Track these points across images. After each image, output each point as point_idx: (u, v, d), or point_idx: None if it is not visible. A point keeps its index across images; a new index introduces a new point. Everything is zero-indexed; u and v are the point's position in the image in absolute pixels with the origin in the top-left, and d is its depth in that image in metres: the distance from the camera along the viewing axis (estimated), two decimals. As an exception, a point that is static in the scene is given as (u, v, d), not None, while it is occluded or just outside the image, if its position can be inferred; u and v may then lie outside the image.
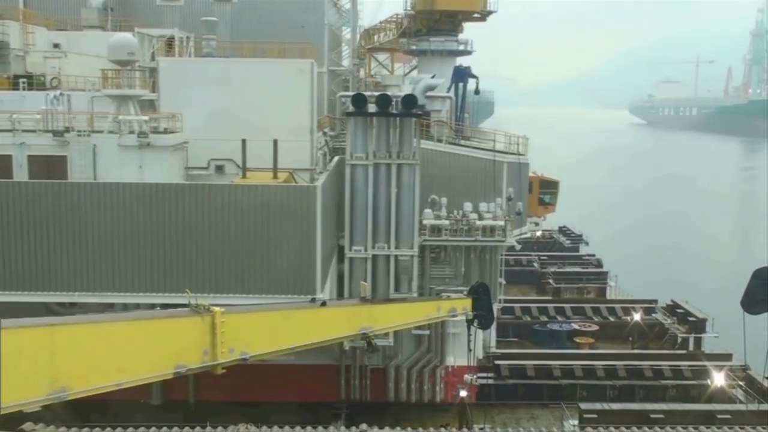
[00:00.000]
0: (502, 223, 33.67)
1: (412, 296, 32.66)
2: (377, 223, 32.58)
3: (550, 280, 54.34)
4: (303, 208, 28.54)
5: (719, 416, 31.18)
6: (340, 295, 33.22)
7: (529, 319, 46.71)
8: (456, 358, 34.74)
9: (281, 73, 34.17)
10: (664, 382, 37.89)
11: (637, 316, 44.95)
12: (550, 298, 52.31)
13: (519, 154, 36.50)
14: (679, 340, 43.09)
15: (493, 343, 39.03)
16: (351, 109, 33.22)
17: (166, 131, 32.01)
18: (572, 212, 70.70)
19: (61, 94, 33.08)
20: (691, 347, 42.52)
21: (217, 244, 28.34)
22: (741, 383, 37.07)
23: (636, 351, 42.36)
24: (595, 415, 31.27)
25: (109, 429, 29.30)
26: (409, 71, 57.60)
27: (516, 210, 35.83)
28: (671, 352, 42.10)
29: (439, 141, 36.05)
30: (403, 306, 24.11)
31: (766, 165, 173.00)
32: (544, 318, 46.92)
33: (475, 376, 33.34)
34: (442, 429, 33.21)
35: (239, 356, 16.64)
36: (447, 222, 33.55)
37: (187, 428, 28.78)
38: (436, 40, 50.37)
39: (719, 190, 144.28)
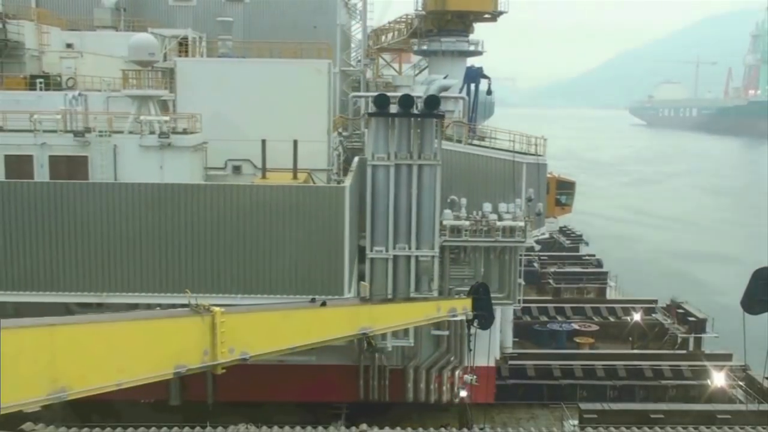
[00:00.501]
0: (522, 223, 33.61)
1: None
2: (398, 224, 32.50)
3: (550, 280, 54.33)
4: (331, 208, 28.56)
5: (719, 416, 31.21)
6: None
7: (529, 319, 46.70)
8: (476, 358, 34.75)
9: (299, 73, 34.16)
10: (664, 382, 37.91)
11: (637, 316, 44.97)
12: (550, 298, 52.31)
13: (537, 155, 36.47)
14: (679, 340, 43.10)
15: (509, 343, 38.84)
16: (372, 109, 33.07)
17: (185, 132, 31.99)
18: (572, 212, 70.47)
19: (80, 95, 33.18)
20: (691, 347, 42.52)
21: (243, 245, 28.31)
22: (741, 383, 37.09)
23: (636, 351, 42.37)
24: (595, 415, 31.29)
25: (109, 429, 29.33)
26: (419, 72, 57.50)
27: (536, 210, 35.78)
28: (671, 352, 42.11)
29: (458, 141, 36.01)
30: (403, 306, 24.08)
31: (767, 165, 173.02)
32: (544, 318, 46.93)
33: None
34: (442, 429, 33.23)
35: (239, 356, 16.62)
36: (467, 222, 33.49)
37: (187, 428, 28.80)
38: (447, 40, 50.26)
39: (719, 189, 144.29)
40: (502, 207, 34.38)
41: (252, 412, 32.43)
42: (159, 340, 15.05)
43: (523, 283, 37.25)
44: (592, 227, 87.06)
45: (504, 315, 36.50)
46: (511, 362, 38.63)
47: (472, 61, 51.28)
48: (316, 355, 32.43)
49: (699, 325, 43.34)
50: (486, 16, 50.79)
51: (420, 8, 51.22)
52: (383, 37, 56.92)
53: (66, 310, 28.36)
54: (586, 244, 68.52)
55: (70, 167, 30.45)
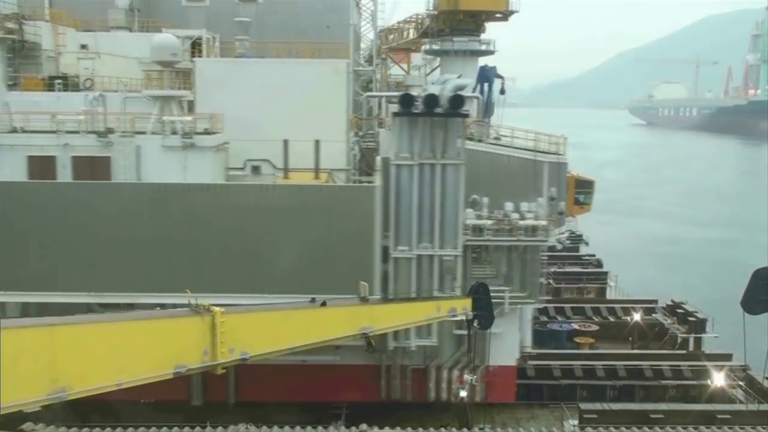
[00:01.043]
0: (545, 222, 33.55)
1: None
2: (421, 224, 32.37)
3: (550, 280, 54.26)
4: (362, 208, 28.57)
5: (719, 416, 31.19)
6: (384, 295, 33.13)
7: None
8: (497, 358, 34.72)
9: (318, 73, 34.23)
10: (664, 382, 37.86)
11: (637, 316, 44.93)
12: (550, 298, 52.22)
13: (558, 154, 36.44)
14: (679, 340, 43.04)
15: (528, 342, 38.56)
16: (394, 109, 32.80)
17: (206, 132, 31.99)
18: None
19: (100, 95, 33.26)
20: (691, 347, 42.47)
21: (273, 245, 28.31)
22: (741, 383, 37.05)
23: (636, 351, 42.34)
24: (595, 415, 31.27)
25: (109, 429, 29.32)
26: (430, 72, 57.39)
27: (558, 210, 35.72)
28: (671, 352, 42.05)
29: (479, 141, 35.96)
30: (403, 306, 24.11)
31: (767, 165, 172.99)
32: (544, 318, 46.89)
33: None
34: (442, 429, 33.21)
35: (239, 356, 16.65)
36: (489, 222, 33.43)
37: (187, 428, 28.81)
38: (460, 40, 50.08)
39: (719, 189, 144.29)
40: (524, 206, 34.30)
41: (252, 412, 32.45)
42: (159, 340, 15.07)
43: (545, 282, 37.19)
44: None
45: (524, 314, 36.47)
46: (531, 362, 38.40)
47: (484, 61, 51.10)
48: (341, 355, 32.66)
49: (699, 326, 43.31)
50: (497, 15, 50.74)
51: (432, 8, 51.10)
52: (390, 37, 56.85)
53: (89, 310, 28.40)
54: (586, 244, 68.47)
55: (93, 168, 30.56)
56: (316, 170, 31.61)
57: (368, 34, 51.45)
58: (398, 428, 29.66)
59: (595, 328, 45.08)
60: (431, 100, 31.46)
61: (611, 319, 47.06)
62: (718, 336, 42.49)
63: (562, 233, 37.00)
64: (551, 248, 36.10)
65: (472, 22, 50.17)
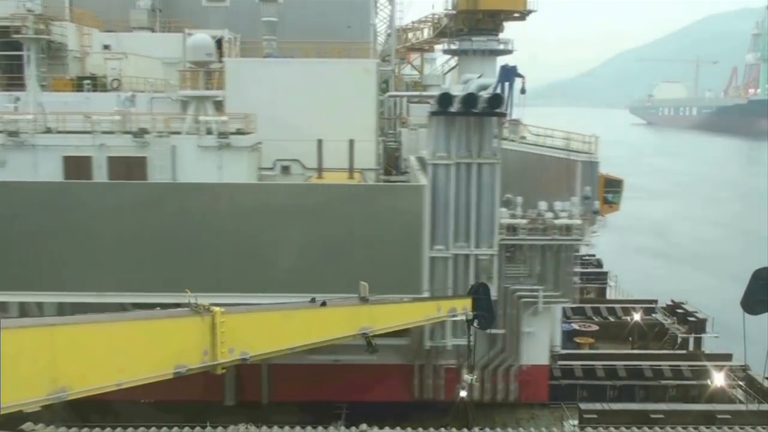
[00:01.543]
0: (579, 221, 33.59)
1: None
2: (457, 223, 32.35)
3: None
4: (410, 207, 28.58)
5: (719, 416, 31.17)
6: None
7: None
8: (530, 357, 34.66)
9: (347, 73, 34.35)
10: (664, 382, 37.83)
11: (637, 316, 44.91)
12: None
13: (590, 153, 36.40)
14: (679, 340, 43.04)
15: (558, 341, 38.59)
16: (435, 108, 32.68)
17: (239, 132, 32.02)
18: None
19: (132, 95, 33.35)
20: (691, 347, 42.47)
21: (321, 245, 28.39)
22: (741, 383, 37.04)
23: (636, 351, 42.33)
24: (595, 415, 31.25)
25: (109, 429, 29.31)
26: (448, 71, 57.41)
27: (593, 209, 35.70)
28: (671, 352, 42.05)
29: (512, 140, 35.96)
30: (403, 306, 24.08)
31: (767, 164, 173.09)
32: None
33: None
34: (442, 429, 33.19)
35: (239, 356, 16.64)
36: (524, 221, 33.45)
37: (187, 428, 28.80)
38: (479, 39, 50.16)
39: (719, 188, 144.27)
40: (558, 205, 34.34)
41: (252, 412, 32.46)
42: (159, 340, 15.07)
43: (579, 281, 37.15)
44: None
45: (553, 313, 36.45)
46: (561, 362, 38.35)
47: (502, 60, 51.07)
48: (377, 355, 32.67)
49: (699, 326, 43.31)
50: (515, 15, 50.82)
51: (450, 7, 51.10)
52: (403, 37, 56.92)
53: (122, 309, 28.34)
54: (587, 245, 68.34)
55: (129, 168, 30.61)
56: (351, 170, 31.67)
57: (380, 35, 51.53)
58: (398, 428, 29.64)
59: (595, 328, 45.07)
60: (471, 100, 31.41)
61: (611, 319, 47.04)
62: (718, 336, 42.50)
63: (594, 232, 37.02)
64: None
65: (491, 22, 50.36)
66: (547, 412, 35.36)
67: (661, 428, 30.13)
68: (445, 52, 55.77)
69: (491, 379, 34.95)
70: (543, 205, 34.18)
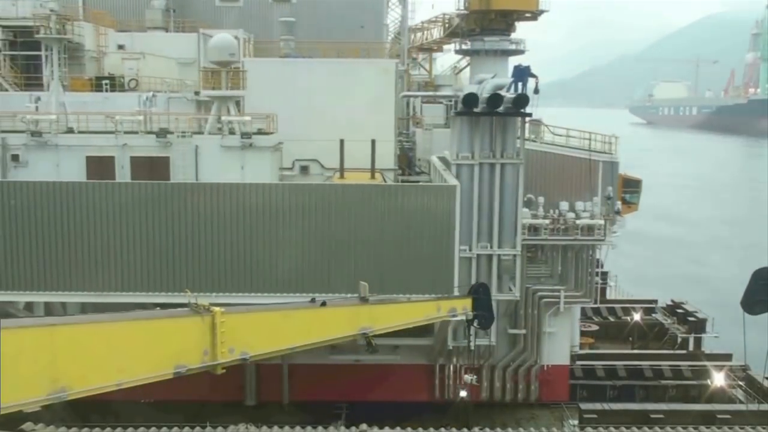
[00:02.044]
0: (601, 221, 33.49)
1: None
2: (480, 223, 32.23)
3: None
4: (442, 207, 28.54)
5: (719, 416, 31.17)
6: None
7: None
8: (551, 357, 34.66)
9: (367, 73, 34.21)
10: (664, 382, 37.83)
11: (637, 316, 44.91)
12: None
13: (610, 153, 36.33)
14: (679, 340, 43.04)
15: (576, 341, 38.46)
16: (459, 108, 32.47)
17: (260, 132, 32.00)
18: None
19: (153, 95, 33.31)
20: (691, 347, 42.47)
21: (353, 243, 28.26)
22: (741, 383, 37.03)
23: (636, 351, 42.32)
24: (595, 415, 31.26)
25: (109, 429, 29.29)
26: (459, 71, 57.32)
27: (615, 209, 35.61)
28: (671, 352, 42.05)
29: (533, 140, 35.88)
30: (403, 306, 24.11)
31: (767, 164, 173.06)
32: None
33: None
34: (442, 429, 33.19)
35: (239, 356, 16.66)
36: (546, 221, 33.33)
37: (186, 428, 28.79)
38: (491, 39, 50.01)
39: (719, 188, 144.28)
40: (579, 205, 34.24)
41: (252, 412, 32.44)
42: (159, 340, 15.08)
43: (599, 281, 37.06)
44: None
45: (574, 314, 36.49)
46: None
47: (513, 60, 50.99)
48: (401, 354, 32.89)
49: (699, 325, 43.30)
50: (527, 15, 50.76)
51: (462, 7, 51.00)
52: (412, 36, 56.81)
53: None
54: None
55: (151, 168, 30.52)
56: (372, 170, 31.56)
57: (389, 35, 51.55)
58: (398, 428, 29.63)
59: (595, 328, 45.06)
60: (496, 100, 31.27)
61: (611, 319, 47.03)
62: (718, 336, 42.50)
63: (615, 233, 37.03)
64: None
65: (503, 22, 50.14)
66: (547, 412, 35.35)
67: (661, 428, 30.12)
68: (457, 52, 55.62)
69: (512, 378, 34.85)
70: (564, 205, 34.09)
